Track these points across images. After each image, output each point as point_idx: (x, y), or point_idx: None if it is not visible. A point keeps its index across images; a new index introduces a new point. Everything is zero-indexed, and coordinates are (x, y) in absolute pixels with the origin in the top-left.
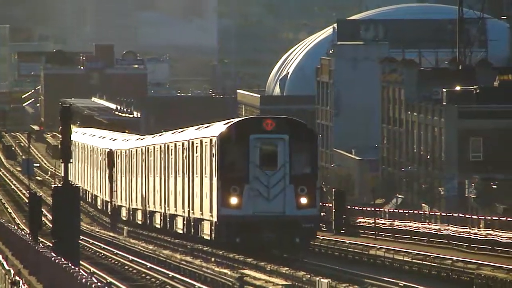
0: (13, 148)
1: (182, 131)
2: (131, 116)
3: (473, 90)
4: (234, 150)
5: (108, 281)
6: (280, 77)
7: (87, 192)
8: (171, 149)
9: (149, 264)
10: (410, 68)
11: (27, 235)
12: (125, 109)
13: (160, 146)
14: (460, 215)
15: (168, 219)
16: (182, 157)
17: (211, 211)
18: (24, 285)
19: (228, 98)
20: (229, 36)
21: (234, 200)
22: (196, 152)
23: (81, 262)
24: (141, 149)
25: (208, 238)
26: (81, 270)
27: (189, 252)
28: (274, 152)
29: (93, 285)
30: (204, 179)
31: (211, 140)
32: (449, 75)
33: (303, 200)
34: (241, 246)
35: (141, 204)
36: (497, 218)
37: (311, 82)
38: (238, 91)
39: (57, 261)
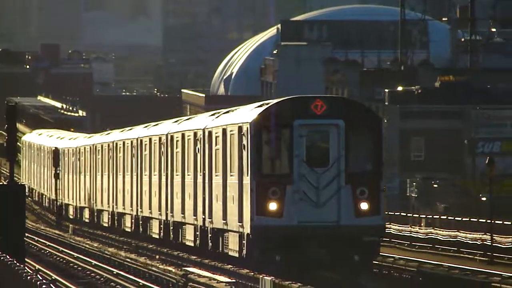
0: None
1: (189, 118)
2: (77, 115)
3: (415, 91)
4: (274, 140)
5: (53, 278)
6: (225, 77)
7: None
8: (187, 140)
9: (94, 262)
10: (353, 69)
11: None
12: (70, 108)
13: (160, 138)
14: (402, 214)
15: (171, 228)
16: (197, 150)
17: (240, 220)
18: None
19: (173, 97)
20: (175, 36)
21: (273, 206)
22: (217, 144)
23: (26, 259)
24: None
25: (236, 255)
26: (26, 267)
27: (134, 249)
28: (325, 142)
29: (38, 282)
30: (230, 179)
31: (240, 128)
32: (391, 75)
33: (364, 206)
34: (283, 266)
35: (158, 211)
36: (437, 216)
37: (255, 82)
38: (182, 90)
39: (2, 258)
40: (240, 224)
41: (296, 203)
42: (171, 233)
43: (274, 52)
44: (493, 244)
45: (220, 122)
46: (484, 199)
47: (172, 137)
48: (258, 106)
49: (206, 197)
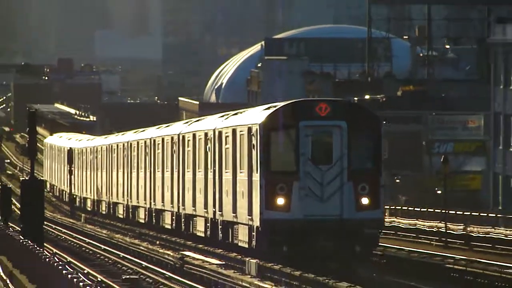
0: None
1: (198, 120)
2: (88, 119)
3: (380, 99)
4: (281, 140)
5: (68, 260)
6: (216, 87)
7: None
8: (198, 140)
9: (103, 246)
10: (326, 80)
11: (0, 221)
12: (83, 114)
13: (172, 138)
14: None
15: (183, 220)
16: (208, 149)
17: (250, 213)
18: None
19: (171, 104)
20: (173, 51)
21: (280, 201)
22: (227, 144)
23: (45, 244)
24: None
25: (246, 245)
26: (44, 251)
27: (137, 236)
28: (329, 142)
29: (55, 264)
30: (240, 175)
31: (249, 129)
32: (359, 86)
33: (365, 201)
34: (289, 256)
35: (171, 204)
36: (399, 207)
37: (243, 91)
38: (179, 98)
39: (24, 243)
40: (250, 217)
41: (302, 198)
42: (182, 224)
43: (259, 65)
44: (447, 231)
45: (229, 123)
46: (439, 192)
47: (183, 137)
48: (266, 109)
49: (217, 192)
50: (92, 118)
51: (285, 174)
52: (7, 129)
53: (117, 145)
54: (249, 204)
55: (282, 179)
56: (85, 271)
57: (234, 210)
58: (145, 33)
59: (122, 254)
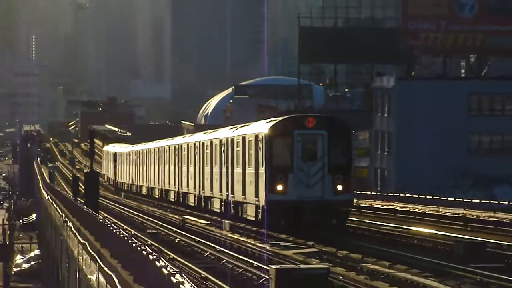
0: (64, 151)
1: (214, 131)
2: (126, 134)
3: None
4: (280, 144)
5: (114, 221)
6: (205, 114)
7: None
8: (215, 145)
9: (135, 212)
10: (272, 110)
11: (72, 197)
12: (123, 131)
13: (194, 144)
14: None
15: (203, 200)
16: (222, 151)
17: (256, 196)
18: (70, 223)
19: (177, 126)
20: (179, 92)
21: (280, 187)
22: (238, 147)
23: (100, 211)
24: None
25: (253, 219)
26: (99, 216)
27: (155, 205)
28: (314, 146)
29: (106, 223)
30: (248, 169)
31: (257, 136)
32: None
33: (339, 187)
34: (285, 227)
35: (194, 188)
36: None
37: (221, 117)
38: (182, 122)
39: (86, 211)
40: (257, 199)
41: (295, 185)
42: (202, 203)
43: (231, 101)
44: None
45: (239, 133)
46: None
47: (203, 143)
48: (268, 122)
49: (229, 180)
50: (128, 133)
51: (283, 168)
52: (76, 140)
53: (152, 149)
54: (256, 189)
55: (281, 171)
56: (124, 227)
57: (244, 193)
58: (161, 80)
59: (146, 217)
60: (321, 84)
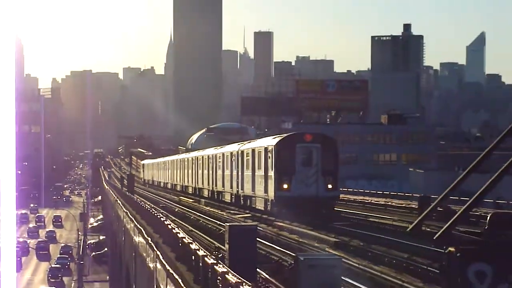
0: (115, 163)
1: (231, 144)
2: (149, 154)
3: None
4: (286, 153)
5: (147, 203)
6: (191, 142)
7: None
8: (219, 157)
9: (154, 195)
10: (227, 142)
11: (122, 189)
12: (149, 153)
13: (208, 156)
14: None
15: (216, 193)
16: (231, 160)
17: (266, 192)
18: (118, 201)
19: (177, 149)
20: (179, 127)
21: (285, 186)
22: (247, 157)
23: (135, 195)
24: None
25: (262, 209)
26: (135, 197)
27: (172, 192)
28: (311, 155)
29: (140, 203)
30: (258, 172)
31: (266, 149)
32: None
33: (330, 186)
34: (287, 215)
35: (208, 185)
36: None
37: (200, 145)
38: (179, 146)
39: (127, 193)
40: (266, 194)
41: (297, 184)
42: (215, 195)
43: (205, 136)
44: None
45: (248, 146)
46: None
47: (216, 155)
48: (275, 137)
49: (239, 180)
50: (150, 153)
51: (287, 171)
52: (122, 157)
53: (170, 161)
54: (265, 187)
55: (286, 174)
56: (147, 204)
57: (253, 189)
58: (167, 123)
59: (163, 199)
60: (253, 126)
